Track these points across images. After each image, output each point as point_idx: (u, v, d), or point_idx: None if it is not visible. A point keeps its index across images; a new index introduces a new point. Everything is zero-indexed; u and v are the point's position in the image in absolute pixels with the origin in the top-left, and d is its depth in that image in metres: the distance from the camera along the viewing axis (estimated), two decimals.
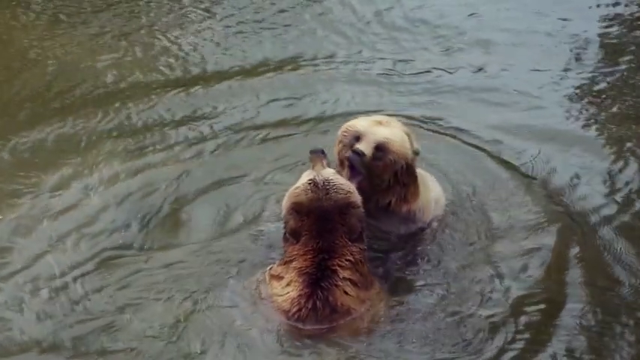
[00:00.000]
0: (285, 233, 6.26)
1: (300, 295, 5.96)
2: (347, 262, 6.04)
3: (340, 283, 5.98)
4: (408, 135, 6.88)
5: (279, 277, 6.15)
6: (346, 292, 5.99)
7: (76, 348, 6.09)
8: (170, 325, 6.16)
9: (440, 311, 6.32)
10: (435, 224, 7.05)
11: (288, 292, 6.03)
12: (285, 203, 6.29)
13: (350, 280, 6.02)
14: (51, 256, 6.91)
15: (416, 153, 6.86)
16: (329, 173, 6.30)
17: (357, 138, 6.67)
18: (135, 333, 6.14)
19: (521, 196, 7.66)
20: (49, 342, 6.13)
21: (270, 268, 6.30)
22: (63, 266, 6.78)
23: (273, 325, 6.08)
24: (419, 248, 6.89)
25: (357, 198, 6.24)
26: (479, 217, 7.31)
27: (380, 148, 6.63)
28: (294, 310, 5.96)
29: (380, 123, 6.79)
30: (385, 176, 6.73)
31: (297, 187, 6.27)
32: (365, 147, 6.62)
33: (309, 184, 6.19)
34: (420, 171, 7.15)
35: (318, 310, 5.94)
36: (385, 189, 6.79)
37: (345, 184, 6.27)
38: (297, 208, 6.17)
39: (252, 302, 6.26)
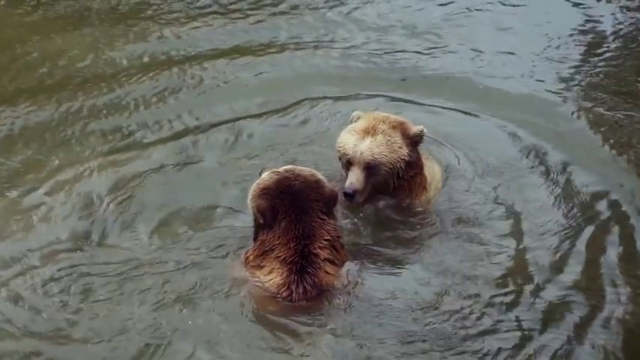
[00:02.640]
0: (256, 225, 6.41)
1: (288, 282, 6.19)
2: (325, 242, 6.31)
3: (321, 264, 6.26)
4: (402, 125, 7.09)
5: (259, 267, 6.33)
6: (327, 272, 6.29)
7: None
8: (153, 315, 6.19)
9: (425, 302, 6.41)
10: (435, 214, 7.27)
11: (272, 279, 6.25)
12: (252, 194, 6.43)
13: (328, 259, 6.32)
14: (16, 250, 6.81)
15: (419, 136, 7.10)
16: (285, 166, 6.56)
17: (349, 162, 7.03)
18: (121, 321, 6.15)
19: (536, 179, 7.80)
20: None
21: (247, 259, 6.42)
22: (31, 265, 6.69)
23: (260, 306, 6.27)
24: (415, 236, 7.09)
25: (321, 176, 6.48)
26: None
27: (371, 167, 6.98)
28: (285, 294, 6.19)
29: (366, 132, 7.04)
30: (389, 181, 7.10)
31: (260, 179, 6.45)
32: (354, 177, 7.00)
33: (272, 172, 6.42)
34: (428, 161, 7.38)
35: (308, 292, 6.20)
36: (393, 189, 7.15)
37: (306, 168, 6.54)
38: (266, 192, 6.33)
39: (235, 287, 6.38)
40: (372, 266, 6.67)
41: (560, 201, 7.46)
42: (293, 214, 6.26)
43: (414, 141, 7.13)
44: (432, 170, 7.45)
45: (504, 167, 7.90)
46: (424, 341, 6.06)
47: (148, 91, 9.07)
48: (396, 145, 7.04)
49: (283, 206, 6.28)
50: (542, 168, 7.93)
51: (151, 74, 9.33)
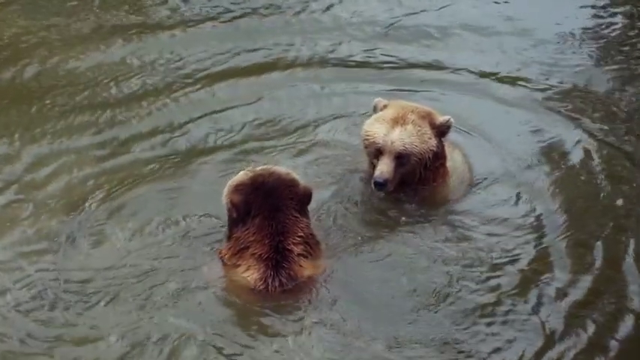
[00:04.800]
0: (230, 222, 6.58)
1: (265, 277, 6.41)
2: (299, 239, 6.53)
3: (296, 259, 6.49)
4: (430, 115, 7.18)
5: (235, 265, 6.52)
6: (302, 266, 6.52)
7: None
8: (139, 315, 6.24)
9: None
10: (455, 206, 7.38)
11: (249, 276, 6.45)
12: (227, 190, 6.63)
13: (302, 254, 6.54)
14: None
15: (446, 126, 7.20)
16: (262, 166, 6.76)
17: (378, 151, 7.10)
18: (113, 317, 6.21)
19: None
20: None
21: (221, 258, 6.61)
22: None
23: (242, 300, 6.40)
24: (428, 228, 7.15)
25: (296, 176, 6.67)
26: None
27: (401, 156, 7.09)
28: (262, 288, 6.41)
29: (396, 122, 7.11)
30: (417, 171, 7.22)
31: (235, 177, 6.64)
32: (385, 167, 7.07)
33: (247, 170, 6.63)
34: (451, 151, 7.49)
35: (284, 284, 6.43)
36: (418, 179, 7.28)
37: (282, 168, 6.74)
38: (240, 188, 6.54)
39: (214, 285, 6.51)
40: (365, 258, 6.76)
41: (584, 192, 7.46)
42: (267, 211, 6.45)
43: (441, 131, 7.21)
44: (453, 162, 7.55)
45: (523, 154, 7.92)
46: (412, 337, 6.11)
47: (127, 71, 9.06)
48: (426, 136, 7.14)
49: (257, 202, 6.45)
50: (567, 159, 7.89)
51: (123, 42, 9.31)
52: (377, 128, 7.16)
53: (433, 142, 7.17)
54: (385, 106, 7.31)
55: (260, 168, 6.65)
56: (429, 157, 7.18)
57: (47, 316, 6.21)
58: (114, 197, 7.36)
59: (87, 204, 7.24)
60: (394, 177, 7.13)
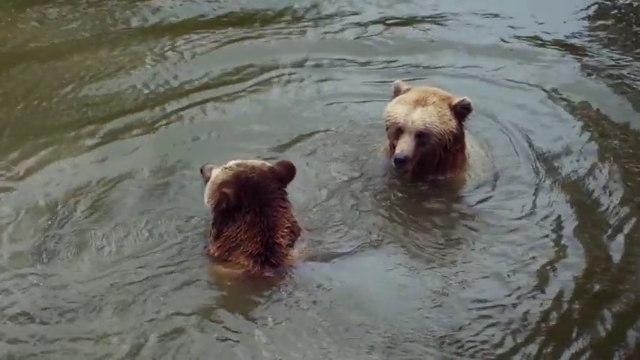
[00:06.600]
0: (219, 221, 6.49)
1: (255, 271, 6.49)
2: (286, 230, 6.61)
3: (284, 252, 6.59)
4: (450, 99, 7.33)
5: (225, 261, 6.53)
6: (286, 255, 6.62)
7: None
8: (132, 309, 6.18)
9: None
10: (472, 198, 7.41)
11: (240, 270, 6.54)
12: (211, 190, 6.56)
13: (289, 245, 6.64)
14: None
15: (462, 106, 7.32)
16: (234, 161, 6.69)
17: (399, 130, 7.27)
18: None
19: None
20: None
21: (210, 257, 6.60)
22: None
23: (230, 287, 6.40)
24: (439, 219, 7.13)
25: (269, 164, 6.69)
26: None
27: (422, 135, 7.24)
28: (250, 278, 6.48)
29: (417, 102, 7.30)
30: (437, 153, 7.37)
31: (214, 177, 6.59)
32: (406, 145, 7.20)
33: (224, 168, 6.63)
34: (469, 140, 7.65)
35: (269, 277, 6.52)
36: (437, 162, 7.42)
37: (255, 160, 6.78)
38: (225, 185, 6.50)
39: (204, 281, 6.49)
40: (368, 252, 6.72)
41: (607, 187, 7.30)
42: (258, 208, 6.49)
43: (459, 112, 7.35)
44: (471, 150, 7.64)
45: (543, 143, 7.82)
46: (410, 332, 5.98)
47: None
48: (446, 117, 7.32)
49: (246, 199, 6.48)
50: (589, 150, 7.76)
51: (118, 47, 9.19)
52: (399, 109, 7.33)
53: (453, 123, 7.32)
54: (407, 90, 7.45)
55: (235, 164, 6.62)
56: (449, 139, 7.33)
57: (34, 319, 6.06)
58: (102, 194, 7.21)
59: (72, 201, 7.06)
60: (414, 155, 7.28)
